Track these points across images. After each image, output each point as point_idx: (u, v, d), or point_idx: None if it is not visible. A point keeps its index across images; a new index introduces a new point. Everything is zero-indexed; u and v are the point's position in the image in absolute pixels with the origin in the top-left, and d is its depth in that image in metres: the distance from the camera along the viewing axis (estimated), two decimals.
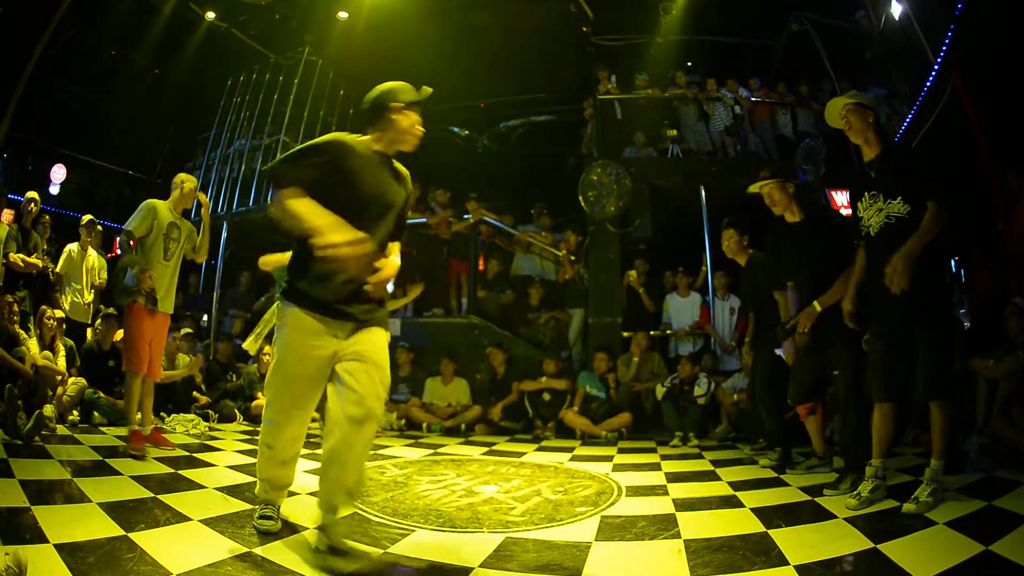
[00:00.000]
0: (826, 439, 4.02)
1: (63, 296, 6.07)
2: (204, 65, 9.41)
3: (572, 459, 4.56)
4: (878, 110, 3.10)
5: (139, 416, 4.33)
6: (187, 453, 4.08)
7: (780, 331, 3.90)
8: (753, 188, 3.98)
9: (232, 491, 3.05)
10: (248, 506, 2.77)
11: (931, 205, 2.74)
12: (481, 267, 7.87)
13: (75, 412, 5.01)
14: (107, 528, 2.26)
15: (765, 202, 3.95)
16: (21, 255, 5.65)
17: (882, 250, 2.87)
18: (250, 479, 3.39)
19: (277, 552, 2.19)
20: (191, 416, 5.39)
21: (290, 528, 2.49)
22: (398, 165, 2.45)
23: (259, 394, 6.33)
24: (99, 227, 6.49)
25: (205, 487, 3.11)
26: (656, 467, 4.19)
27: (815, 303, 3.47)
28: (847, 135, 3.07)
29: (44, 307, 5.38)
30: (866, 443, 3.26)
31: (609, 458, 4.59)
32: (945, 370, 2.80)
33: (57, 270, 6.09)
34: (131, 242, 4.07)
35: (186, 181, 4.36)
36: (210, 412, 5.87)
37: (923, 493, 2.64)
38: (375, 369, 2.26)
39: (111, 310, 5.60)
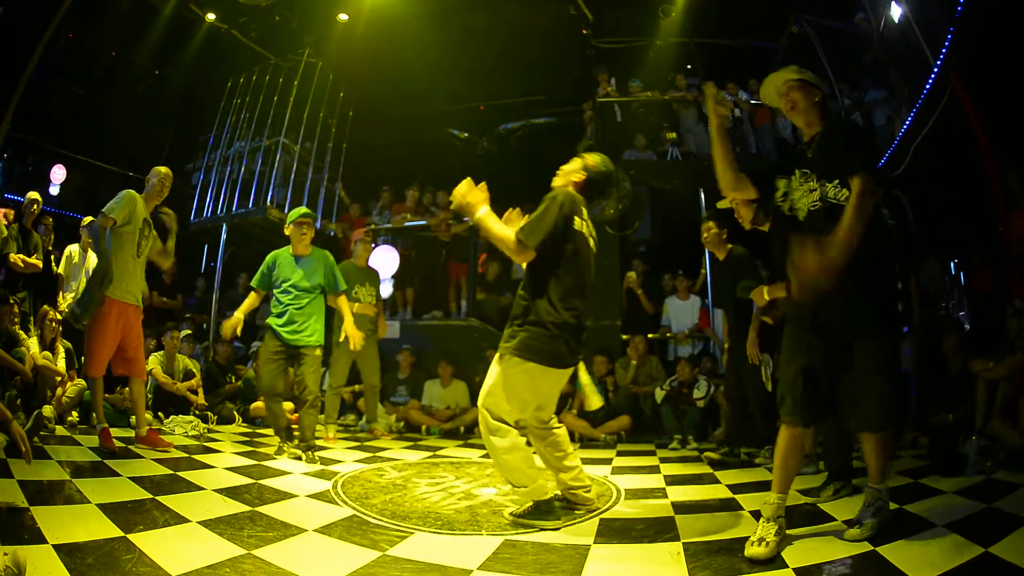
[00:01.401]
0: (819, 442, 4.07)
1: (63, 296, 6.07)
2: (204, 66, 9.41)
3: None
4: (825, 90, 2.67)
5: (134, 419, 4.33)
6: (186, 455, 4.07)
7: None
8: (722, 204, 3.98)
9: (231, 493, 3.05)
10: (247, 508, 2.77)
11: (857, 180, 2.31)
12: (481, 270, 7.87)
13: (74, 413, 5.01)
14: (106, 529, 2.26)
15: (735, 215, 3.99)
16: (21, 255, 5.65)
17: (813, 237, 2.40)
18: (249, 481, 3.39)
19: (276, 554, 2.19)
20: (190, 417, 5.39)
21: (288, 530, 2.49)
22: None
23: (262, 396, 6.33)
24: None
25: (204, 489, 3.11)
26: (655, 470, 4.19)
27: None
28: (788, 116, 2.68)
29: (46, 307, 5.38)
30: (846, 450, 3.21)
31: (608, 461, 4.58)
32: (892, 397, 2.45)
33: (58, 271, 6.10)
34: (107, 227, 4.06)
35: (159, 170, 4.40)
36: (209, 414, 5.87)
37: (868, 524, 2.35)
38: None
39: None
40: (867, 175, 2.30)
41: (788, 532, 2.42)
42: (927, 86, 6.16)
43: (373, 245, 6.07)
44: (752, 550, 2.19)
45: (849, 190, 2.34)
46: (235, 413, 6.18)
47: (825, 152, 2.47)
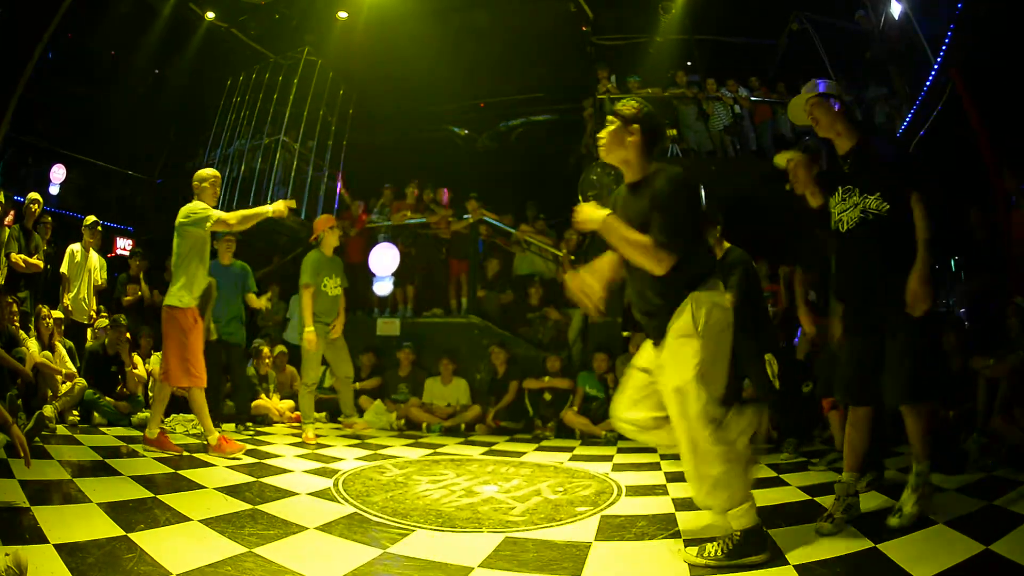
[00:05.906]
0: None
1: (66, 295, 6.08)
2: (204, 65, 9.41)
3: (572, 459, 4.55)
4: (844, 97, 2.78)
5: (145, 414, 4.34)
6: (187, 453, 4.08)
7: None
8: (779, 158, 3.88)
9: (232, 491, 3.06)
10: (248, 506, 2.78)
11: (917, 202, 2.47)
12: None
13: (75, 412, 5.01)
14: (107, 528, 2.27)
15: (788, 177, 3.82)
16: (23, 256, 5.65)
17: (857, 248, 2.64)
18: (250, 479, 3.40)
19: (277, 552, 2.19)
20: (191, 416, 5.37)
21: (289, 528, 2.50)
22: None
23: (262, 395, 6.33)
24: (99, 227, 6.49)
25: (205, 487, 3.11)
26: (656, 467, 4.19)
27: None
28: (816, 131, 2.81)
29: (42, 307, 5.39)
30: (878, 440, 3.27)
31: (609, 458, 4.59)
32: (927, 371, 2.51)
33: (62, 271, 6.11)
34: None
35: (206, 173, 4.31)
36: None
37: (908, 503, 2.45)
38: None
39: (120, 316, 5.61)
40: (926, 196, 2.48)
41: (789, 528, 2.44)
42: (927, 84, 6.17)
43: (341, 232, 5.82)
44: (819, 525, 2.42)
45: (889, 203, 2.52)
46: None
47: (864, 167, 2.61)
